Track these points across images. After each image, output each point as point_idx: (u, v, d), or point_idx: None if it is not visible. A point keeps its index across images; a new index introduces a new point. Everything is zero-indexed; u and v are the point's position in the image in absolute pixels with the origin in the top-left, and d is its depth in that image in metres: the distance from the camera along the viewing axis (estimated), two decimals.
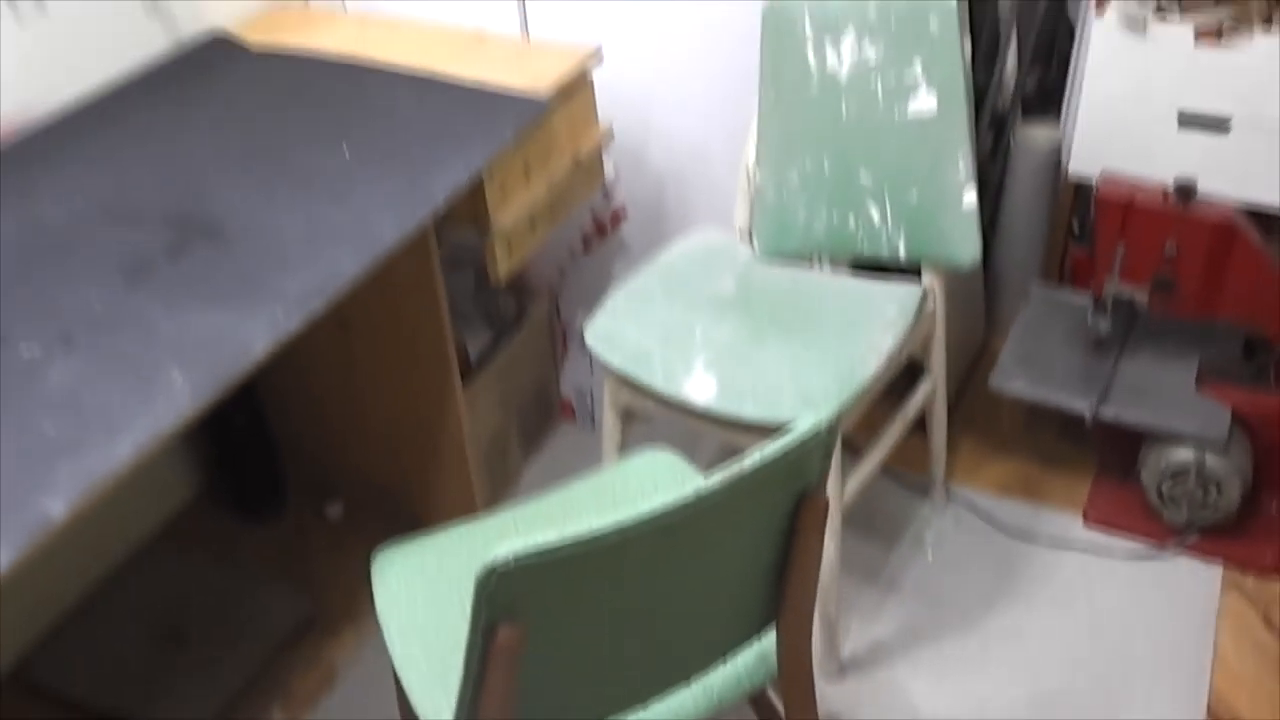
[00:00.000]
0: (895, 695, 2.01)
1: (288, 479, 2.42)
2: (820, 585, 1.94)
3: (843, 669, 2.05)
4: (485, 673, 1.09)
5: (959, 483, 2.40)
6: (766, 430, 1.61)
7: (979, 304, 2.69)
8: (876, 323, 1.94)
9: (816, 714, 1.43)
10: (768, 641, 1.40)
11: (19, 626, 2.10)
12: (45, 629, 2.14)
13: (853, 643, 2.10)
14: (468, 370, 2.26)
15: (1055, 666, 2.04)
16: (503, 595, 1.03)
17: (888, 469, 2.38)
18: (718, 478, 1.08)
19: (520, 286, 2.55)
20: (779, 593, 1.30)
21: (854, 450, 2.04)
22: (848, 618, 2.13)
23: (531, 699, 1.16)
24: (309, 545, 2.33)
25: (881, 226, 2.05)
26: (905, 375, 2.12)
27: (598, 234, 2.50)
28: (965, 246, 2.00)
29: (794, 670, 1.37)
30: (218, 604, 2.16)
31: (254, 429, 2.33)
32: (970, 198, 1.98)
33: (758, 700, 1.62)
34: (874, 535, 2.30)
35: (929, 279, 2.06)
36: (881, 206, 2.05)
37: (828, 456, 1.20)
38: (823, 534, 1.25)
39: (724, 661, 1.34)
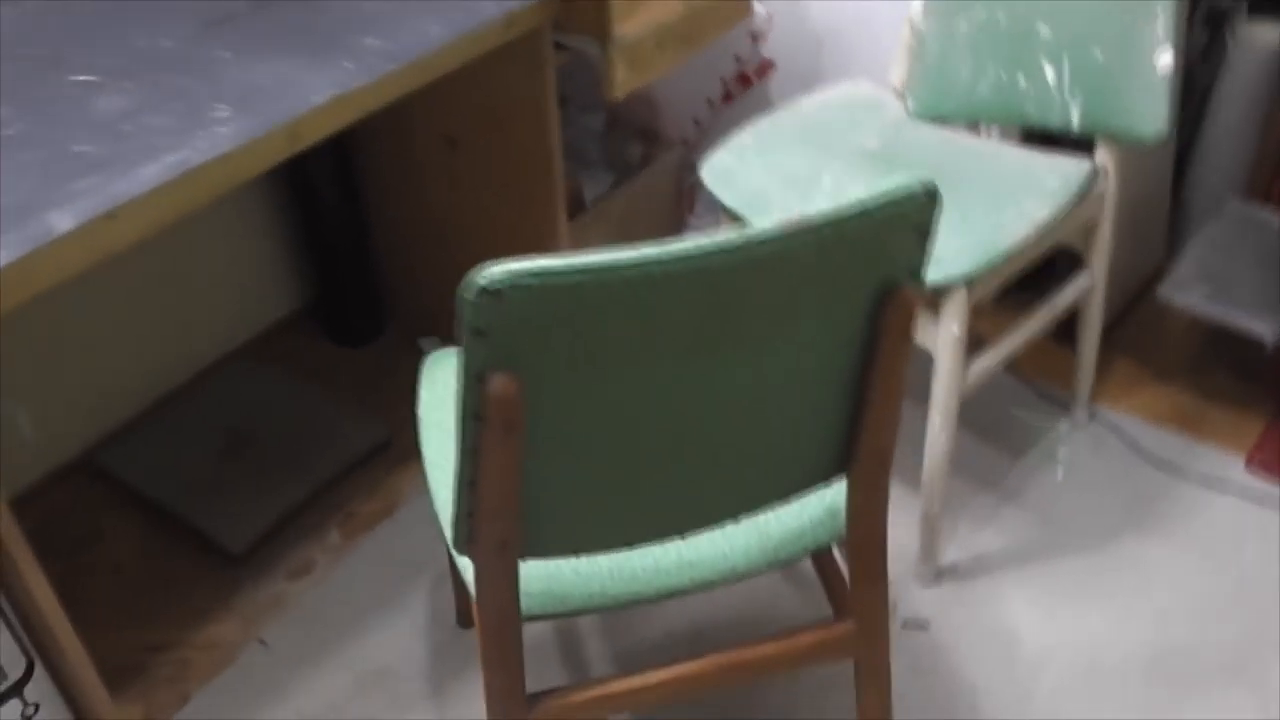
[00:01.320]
0: (994, 614, 1.78)
1: (387, 307, 2.32)
2: (925, 476, 1.74)
3: (940, 574, 1.84)
4: (480, 438, 0.92)
5: (1106, 404, 2.12)
6: None
7: (1162, 222, 2.39)
8: (1033, 193, 1.69)
9: (886, 587, 1.22)
10: (839, 496, 1.21)
11: (100, 412, 2.08)
12: (125, 419, 2.11)
13: (957, 549, 1.88)
14: (580, 209, 2.10)
15: (1183, 617, 1.77)
16: (497, 333, 0.86)
17: (1027, 378, 2.14)
18: (776, 223, 0.86)
19: (651, 135, 2.36)
20: (854, 425, 1.09)
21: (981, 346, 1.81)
22: (955, 520, 1.91)
23: (541, 505, 0.98)
24: (397, 375, 2.23)
25: (1056, 89, 1.79)
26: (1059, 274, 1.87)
27: (741, 84, 2.29)
28: (1151, 117, 1.72)
29: (863, 528, 1.17)
30: (295, 419, 2.10)
31: (359, 253, 2.23)
32: (1166, 60, 1.70)
33: (820, 560, 1.41)
34: (999, 442, 2.05)
35: (1103, 155, 1.80)
36: (1059, 66, 1.79)
37: (922, 244, 0.98)
38: (909, 340, 1.02)
39: (782, 501, 1.14)
